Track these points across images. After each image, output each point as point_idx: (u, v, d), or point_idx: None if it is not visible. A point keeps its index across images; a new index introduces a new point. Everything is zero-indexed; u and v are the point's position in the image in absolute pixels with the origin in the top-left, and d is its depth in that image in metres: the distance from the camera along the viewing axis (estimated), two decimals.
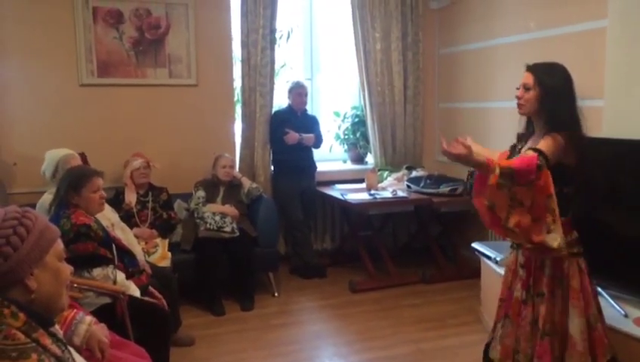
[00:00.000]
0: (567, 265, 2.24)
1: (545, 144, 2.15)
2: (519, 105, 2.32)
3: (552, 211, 2.08)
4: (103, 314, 2.39)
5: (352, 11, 4.86)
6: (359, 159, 5.28)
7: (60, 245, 1.39)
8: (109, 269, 2.67)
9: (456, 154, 2.05)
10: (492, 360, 2.48)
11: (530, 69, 2.30)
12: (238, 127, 4.73)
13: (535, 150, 2.12)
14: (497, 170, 2.03)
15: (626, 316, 2.65)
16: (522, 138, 2.40)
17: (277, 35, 4.72)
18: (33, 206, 3.13)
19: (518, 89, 2.32)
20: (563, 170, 2.17)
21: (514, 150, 2.43)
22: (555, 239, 2.10)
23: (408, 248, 5.11)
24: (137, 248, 3.33)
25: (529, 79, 2.27)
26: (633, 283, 2.75)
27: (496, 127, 4.50)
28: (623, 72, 3.09)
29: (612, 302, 2.77)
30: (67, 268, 1.41)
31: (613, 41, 3.16)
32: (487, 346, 2.53)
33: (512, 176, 2.04)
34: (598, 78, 3.24)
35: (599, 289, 2.87)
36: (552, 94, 2.21)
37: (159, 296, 2.88)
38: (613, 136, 2.97)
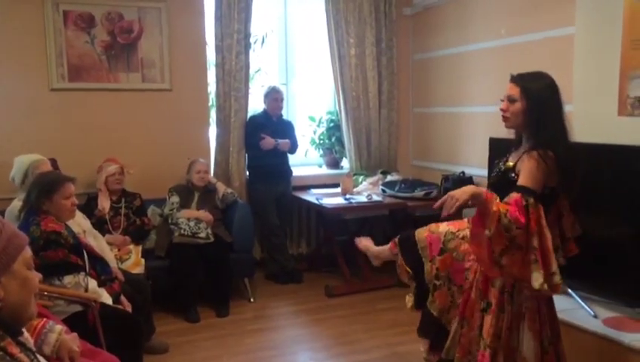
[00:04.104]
0: (520, 284, 2.16)
1: (526, 174, 2.07)
2: (504, 118, 2.21)
3: (534, 249, 2.01)
4: (74, 322, 2.35)
5: (327, 17, 4.88)
6: (334, 164, 5.30)
7: (28, 252, 1.36)
8: (80, 277, 2.62)
9: (452, 193, 2.06)
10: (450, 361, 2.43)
11: (515, 79, 2.18)
12: (212, 131, 4.70)
13: (518, 189, 2.05)
14: (496, 202, 2.01)
15: (595, 317, 2.71)
16: (507, 150, 2.30)
17: (252, 40, 4.72)
18: (1, 213, 3.08)
19: (502, 101, 2.21)
20: (541, 193, 2.09)
21: (493, 164, 2.38)
22: (537, 279, 2.01)
23: None
24: (110, 255, 3.28)
25: (514, 90, 2.16)
26: (602, 285, 2.81)
27: (469, 131, 4.57)
28: (591, 78, 3.17)
29: (582, 303, 2.83)
30: (36, 276, 1.38)
31: (580, 47, 3.24)
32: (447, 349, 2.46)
33: (507, 215, 1.99)
34: (567, 83, 3.30)
35: (569, 290, 2.93)
36: (539, 107, 2.10)
37: (127, 303, 2.85)
38: (582, 140, 3.04)
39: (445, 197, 2.10)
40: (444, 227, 2.52)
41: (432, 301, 2.49)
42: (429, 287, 2.51)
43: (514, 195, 2.03)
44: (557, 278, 2.05)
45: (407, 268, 2.58)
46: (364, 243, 2.85)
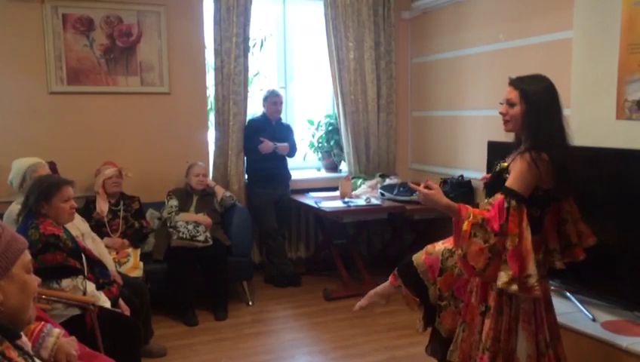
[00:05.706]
0: None
1: (515, 176, 2.08)
2: (504, 122, 2.21)
3: (505, 250, 2.03)
4: (72, 325, 2.35)
5: (326, 21, 4.88)
6: (333, 167, 5.30)
7: (27, 256, 1.36)
8: (79, 280, 2.62)
9: (425, 193, 2.10)
10: None
11: (514, 82, 2.18)
12: (211, 135, 4.70)
13: (503, 190, 2.07)
14: (471, 217, 2.02)
15: (594, 320, 2.71)
16: (508, 152, 2.29)
17: (250, 43, 4.72)
18: (0, 216, 3.07)
19: (501, 104, 2.21)
20: (533, 195, 2.10)
21: (493, 165, 2.39)
22: (500, 278, 2.04)
23: (382, 256, 5.14)
24: (108, 258, 3.28)
25: (512, 94, 2.16)
26: (600, 288, 2.81)
27: (467, 135, 4.58)
28: (589, 82, 3.18)
29: (580, 306, 2.83)
30: (34, 280, 1.38)
31: (578, 51, 3.25)
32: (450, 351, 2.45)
33: (483, 225, 2.01)
34: (565, 88, 3.32)
35: (568, 294, 2.94)
36: (537, 110, 2.10)
37: (125, 306, 2.85)
38: (581, 144, 3.05)
39: (425, 193, 2.12)
40: (440, 246, 2.53)
41: (439, 322, 2.50)
42: (436, 309, 2.51)
43: (498, 196, 2.07)
44: (532, 280, 2.05)
45: (414, 297, 2.57)
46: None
